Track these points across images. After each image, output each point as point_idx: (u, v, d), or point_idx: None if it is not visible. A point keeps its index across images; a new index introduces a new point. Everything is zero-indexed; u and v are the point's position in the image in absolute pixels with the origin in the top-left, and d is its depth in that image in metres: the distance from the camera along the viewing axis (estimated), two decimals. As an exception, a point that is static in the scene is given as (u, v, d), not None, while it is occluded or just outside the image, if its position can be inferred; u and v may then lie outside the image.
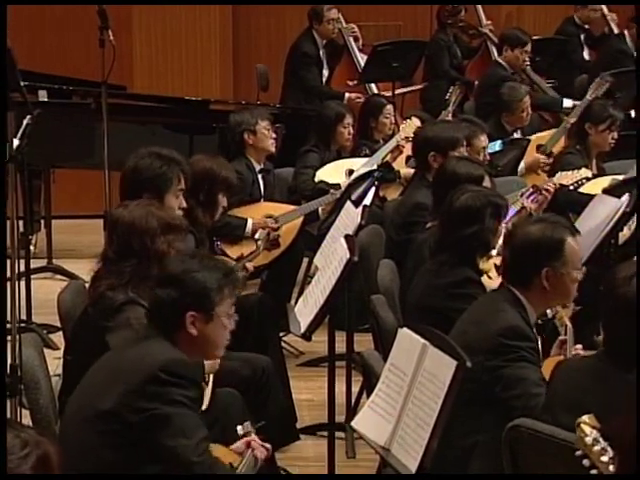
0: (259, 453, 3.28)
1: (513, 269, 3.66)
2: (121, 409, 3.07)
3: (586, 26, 9.08)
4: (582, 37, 9.07)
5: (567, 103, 8.15)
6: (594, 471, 2.20)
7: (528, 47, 8.19)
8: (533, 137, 7.23)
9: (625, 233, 5.90)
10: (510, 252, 3.68)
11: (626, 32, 8.80)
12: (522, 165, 6.95)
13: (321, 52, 8.38)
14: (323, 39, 8.36)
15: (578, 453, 2.25)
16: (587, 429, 2.23)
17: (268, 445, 3.33)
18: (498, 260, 4.87)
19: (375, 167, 6.28)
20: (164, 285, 3.26)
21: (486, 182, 4.80)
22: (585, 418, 2.26)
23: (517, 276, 3.63)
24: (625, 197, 5.50)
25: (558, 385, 3.17)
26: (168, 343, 3.21)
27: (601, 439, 2.23)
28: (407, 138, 6.47)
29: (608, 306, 3.09)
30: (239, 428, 3.36)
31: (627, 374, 2.96)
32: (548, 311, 4.04)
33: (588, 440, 2.22)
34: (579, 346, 3.76)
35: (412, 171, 5.99)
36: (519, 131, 7.36)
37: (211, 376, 4.03)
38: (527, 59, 8.24)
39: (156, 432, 3.05)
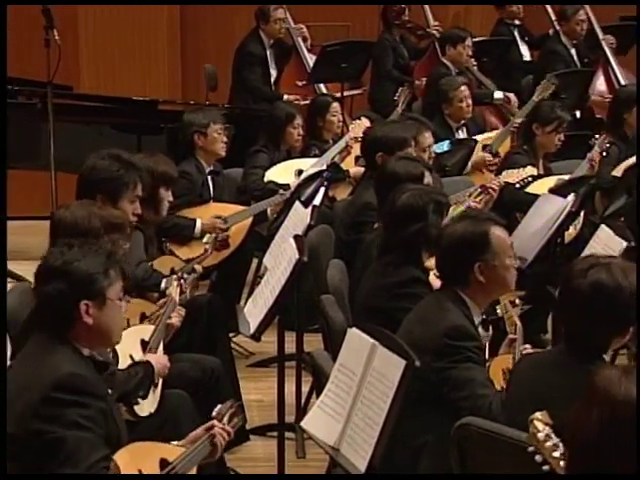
0: (219, 437, 3.22)
1: (448, 270, 3.69)
2: (20, 432, 2.92)
3: (516, 22, 9.15)
4: (516, 34, 9.14)
5: (498, 95, 8.22)
6: (546, 467, 2.22)
7: (469, 42, 8.27)
8: (479, 137, 7.29)
9: (571, 232, 5.97)
10: (441, 254, 3.71)
11: (560, 30, 8.87)
12: (468, 163, 7.01)
13: (268, 52, 8.36)
14: (270, 39, 8.35)
15: (530, 449, 2.27)
16: (540, 425, 2.26)
17: (229, 428, 3.26)
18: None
19: (324, 167, 6.29)
20: (48, 280, 3.11)
21: (427, 179, 4.82)
22: (538, 415, 2.29)
23: (453, 276, 3.66)
24: (571, 197, 5.56)
25: (521, 382, 3.19)
26: (63, 351, 3.06)
27: (553, 435, 2.25)
28: (356, 138, 6.49)
29: (565, 300, 3.11)
30: (217, 409, 3.29)
31: (588, 365, 2.99)
32: (498, 310, 4.07)
33: (540, 436, 2.24)
34: (528, 346, 3.79)
35: (362, 171, 6.01)
36: (464, 129, 7.41)
37: (160, 379, 4.01)
38: (470, 53, 8.31)
39: (47, 457, 2.90)
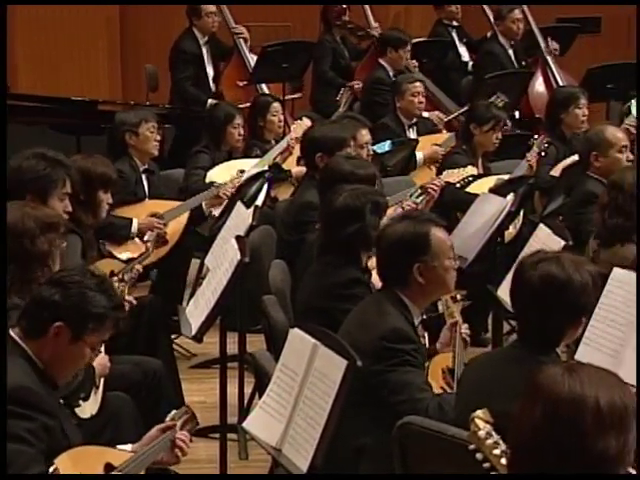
0: (181, 442, 3.18)
1: (387, 271, 3.69)
2: None
3: (454, 23, 9.21)
4: (455, 35, 9.20)
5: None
6: (487, 465, 2.24)
7: (408, 47, 8.34)
8: (425, 137, 7.34)
9: (511, 232, 6.02)
10: (381, 255, 3.72)
11: (497, 31, 8.95)
12: (420, 156, 7.05)
13: (204, 50, 8.32)
14: (205, 35, 8.30)
15: (472, 447, 2.29)
16: (480, 423, 2.27)
17: (187, 434, 3.24)
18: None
19: (266, 167, 6.28)
20: (53, 285, 3.11)
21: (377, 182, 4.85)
22: (479, 413, 2.30)
23: (393, 277, 3.66)
24: (510, 196, 5.61)
25: (475, 380, 3.21)
26: (20, 362, 3.02)
27: (494, 433, 2.27)
28: (297, 139, 6.49)
29: (517, 293, 3.14)
30: (171, 414, 3.26)
31: (541, 357, 3.02)
32: (439, 306, 4.09)
33: (481, 434, 2.26)
34: (465, 325, 3.82)
35: (304, 171, 6.02)
36: (415, 129, 7.46)
37: (101, 380, 3.98)
38: (409, 57, 8.37)
39: None
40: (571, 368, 2.16)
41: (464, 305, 4.10)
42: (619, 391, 2.13)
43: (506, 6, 8.87)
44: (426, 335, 4.03)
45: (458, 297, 4.02)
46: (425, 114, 7.97)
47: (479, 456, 2.26)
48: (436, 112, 8.26)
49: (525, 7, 9.03)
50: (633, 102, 6.93)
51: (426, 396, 3.43)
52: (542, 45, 8.88)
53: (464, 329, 3.90)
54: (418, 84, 7.41)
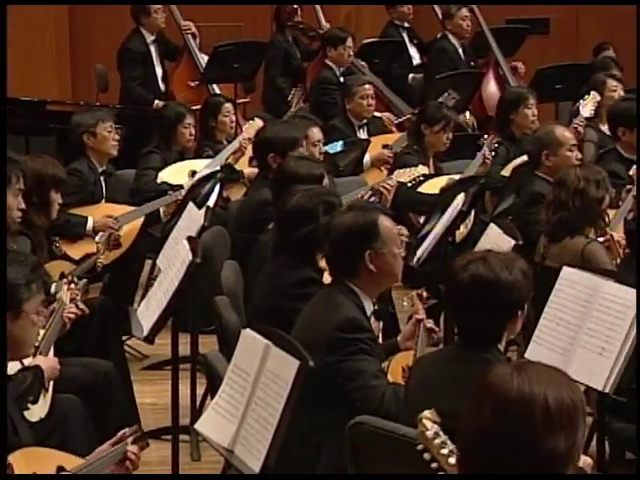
0: (132, 456, 3.15)
1: (338, 262, 3.71)
2: None
3: (406, 24, 9.25)
4: (405, 36, 9.23)
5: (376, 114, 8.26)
6: (434, 465, 2.25)
7: (349, 42, 8.35)
8: (376, 138, 7.36)
9: (462, 231, 6.06)
10: (331, 246, 3.73)
11: (447, 31, 9.00)
12: (367, 158, 7.07)
13: (152, 49, 8.27)
14: (152, 33, 8.26)
15: (419, 447, 2.30)
16: (428, 423, 2.28)
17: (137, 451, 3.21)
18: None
19: (218, 168, 6.26)
20: None
21: (326, 181, 4.85)
22: (426, 413, 2.31)
23: (344, 267, 3.68)
24: (461, 196, 5.64)
25: (421, 380, 3.22)
26: None
27: (441, 433, 2.28)
28: (250, 139, 6.48)
29: (450, 296, 3.16)
30: (122, 431, 3.23)
31: (484, 354, 3.04)
32: (404, 303, 4.12)
33: (429, 434, 2.27)
34: (430, 321, 3.85)
35: (256, 171, 6.01)
36: (365, 130, 7.47)
37: (51, 382, 3.94)
38: (352, 54, 8.38)
39: None
40: (520, 367, 2.16)
41: (428, 304, 4.13)
42: (567, 389, 2.14)
43: (454, 5, 8.93)
44: (381, 325, 4.05)
45: (424, 295, 4.05)
46: (376, 114, 8.01)
47: (427, 456, 2.27)
48: (387, 113, 8.29)
49: (475, 8, 9.09)
50: (582, 102, 7.00)
51: (380, 383, 3.46)
52: (493, 46, 8.94)
53: (430, 324, 3.92)
54: (367, 86, 7.43)
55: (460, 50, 8.95)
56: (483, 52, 9.06)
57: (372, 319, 3.72)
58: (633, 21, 10.42)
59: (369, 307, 3.68)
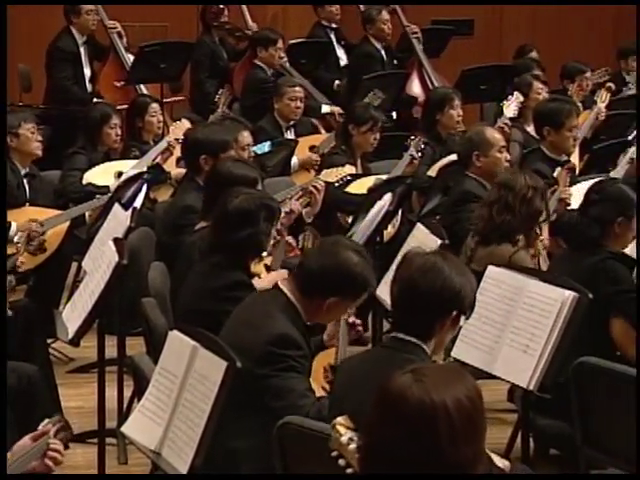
0: (54, 453, 3.10)
1: (309, 281, 3.60)
2: None
3: (333, 25, 9.27)
4: (333, 37, 9.26)
5: (325, 109, 8.31)
6: (350, 470, 2.25)
7: (280, 44, 8.36)
8: (304, 138, 7.37)
9: (390, 231, 6.09)
10: (307, 267, 3.62)
11: (368, 33, 9.04)
12: (295, 161, 7.08)
13: (81, 50, 8.18)
14: (83, 34, 8.17)
15: (334, 454, 2.29)
16: (342, 429, 2.28)
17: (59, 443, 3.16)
18: (269, 261, 4.93)
19: (145, 169, 6.22)
20: None
21: (259, 185, 4.85)
22: (340, 419, 2.31)
23: (307, 288, 3.59)
24: (388, 196, 5.67)
25: (347, 382, 3.21)
26: None
27: (356, 438, 2.28)
28: (177, 140, 6.44)
29: (399, 278, 3.16)
30: (44, 423, 3.18)
31: (409, 355, 3.05)
32: None
33: (343, 440, 2.26)
34: (358, 321, 3.85)
35: (183, 172, 5.98)
36: (292, 131, 7.48)
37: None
38: (283, 55, 8.39)
39: None
40: (418, 374, 2.13)
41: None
42: (464, 389, 2.12)
43: (374, 9, 8.97)
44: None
45: None
46: (325, 107, 8.06)
47: (342, 462, 2.26)
48: (337, 107, 8.31)
49: (399, 10, 9.14)
50: (505, 103, 7.08)
51: (307, 402, 3.42)
52: (417, 47, 9.00)
53: (352, 319, 3.91)
54: (298, 89, 7.44)
55: (383, 52, 8.99)
56: (407, 53, 9.11)
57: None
58: (555, 22, 10.62)
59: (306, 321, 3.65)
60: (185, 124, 6.58)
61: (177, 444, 2.98)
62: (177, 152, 6.51)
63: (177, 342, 3.18)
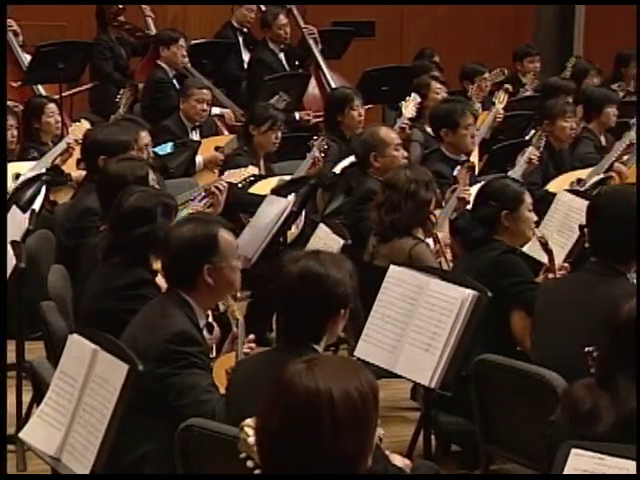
0: None
1: (175, 273, 3.66)
2: None
3: (244, 29, 9.25)
4: (241, 40, 9.23)
5: (215, 110, 8.26)
6: (258, 471, 2.25)
7: (182, 42, 8.31)
8: (210, 139, 7.34)
9: (293, 232, 6.11)
10: (168, 257, 3.68)
11: (266, 37, 9.04)
12: (200, 160, 7.04)
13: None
14: None
15: (242, 456, 2.30)
16: (250, 431, 2.29)
17: None
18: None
19: (44, 170, 6.12)
20: None
21: (151, 176, 4.80)
22: (248, 421, 2.32)
23: (180, 279, 3.63)
24: (291, 197, 5.69)
25: (242, 383, 3.21)
26: None
27: None
28: (77, 141, 6.35)
29: (280, 289, 3.17)
30: None
31: (303, 355, 3.05)
32: (221, 305, 4.10)
33: (250, 441, 2.27)
34: (252, 337, 3.84)
35: (84, 174, 5.90)
36: (197, 131, 7.43)
37: None
38: (185, 54, 8.34)
39: None
40: (311, 364, 2.14)
41: (244, 300, 4.13)
42: (356, 382, 2.13)
43: (271, 13, 8.96)
44: (214, 334, 4.03)
45: (239, 295, 4.05)
46: (216, 109, 8.02)
47: (250, 463, 2.27)
48: (227, 110, 8.30)
49: (296, 12, 9.15)
50: (403, 103, 7.15)
51: (212, 397, 3.42)
52: (314, 49, 9.02)
53: (250, 340, 3.89)
54: (205, 92, 7.40)
55: (281, 55, 8.99)
56: (306, 54, 9.13)
57: (205, 331, 3.69)
58: (455, 23, 10.77)
59: (202, 319, 3.65)
60: (85, 125, 6.49)
61: (77, 449, 2.94)
62: (77, 153, 6.42)
63: (77, 346, 3.14)
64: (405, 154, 5.91)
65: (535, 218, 4.65)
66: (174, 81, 8.25)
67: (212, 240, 3.63)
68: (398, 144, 5.88)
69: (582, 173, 6.72)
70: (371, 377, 2.17)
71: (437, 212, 5.23)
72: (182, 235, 3.65)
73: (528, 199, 4.57)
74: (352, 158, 6.34)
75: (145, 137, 5.69)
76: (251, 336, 3.85)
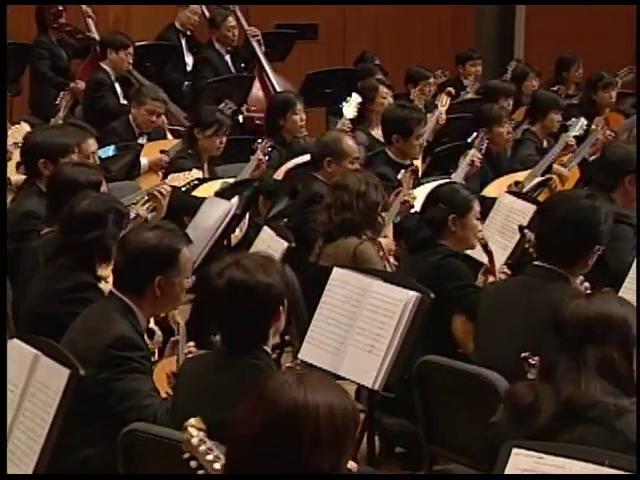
0: None
1: (125, 276, 3.64)
2: None
3: (188, 32, 9.21)
4: (184, 43, 9.19)
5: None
6: (201, 472, 2.25)
7: (131, 49, 8.26)
8: (155, 142, 7.30)
9: (237, 235, 6.10)
10: (124, 259, 3.66)
11: (213, 37, 9.03)
12: (144, 162, 7.00)
13: None
14: None
15: (186, 456, 2.29)
16: (194, 431, 2.29)
17: None
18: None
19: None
20: None
21: (103, 187, 4.79)
22: (192, 421, 2.32)
23: (130, 282, 3.62)
24: (235, 199, 5.67)
25: (187, 386, 3.21)
26: None
27: (207, 439, 2.29)
28: (16, 144, 6.28)
29: (210, 302, 3.17)
30: None
31: (251, 359, 3.06)
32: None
33: (194, 441, 2.27)
34: (192, 343, 3.83)
35: (23, 178, 5.83)
36: (145, 136, 7.39)
37: None
38: (131, 61, 8.29)
39: None
40: (301, 377, 2.16)
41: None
42: (341, 402, 2.15)
43: (219, 14, 8.94)
44: (156, 339, 4.02)
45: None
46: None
47: (194, 464, 2.27)
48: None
49: (239, 14, 9.13)
50: (344, 104, 7.16)
51: (153, 402, 3.42)
52: (258, 51, 9.02)
53: (190, 346, 3.88)
54: (159, 104, 7.33)
55: (227, 57, 8.98)
56: (251, 57, 9.12)
57: (146, 338, 3.68)
58: (395, 25, 10.81)
59: (143, 325, 3.64)
60: (24, 128, 6.42)
61: (17, 455, 2.91)
62: (16, 156, 6.34)
63: (17, 351, 3.11)
64: (358, 167, 5.89)
65: (481, 227, 4.69)
66: (115, 84, 8.19)
67: (174, 254, 3.61)
68: (356, 157, 5.89)
69: (520, 176, 6.78)
70: (355, 403, 2.20)
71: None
72: (146, 240, 3.62)
73: (477, 207, 4.63)
74: (300, 159, 6.33)
75: (92, 144, 5.64)
76: (191, 343, 3.83)
